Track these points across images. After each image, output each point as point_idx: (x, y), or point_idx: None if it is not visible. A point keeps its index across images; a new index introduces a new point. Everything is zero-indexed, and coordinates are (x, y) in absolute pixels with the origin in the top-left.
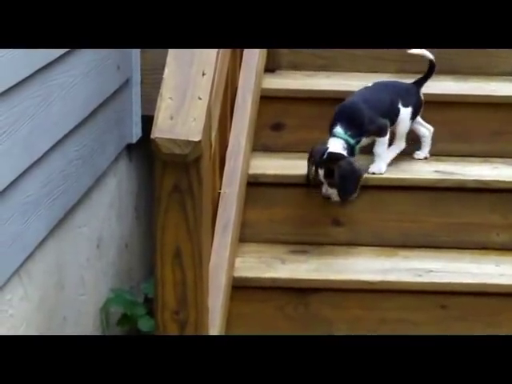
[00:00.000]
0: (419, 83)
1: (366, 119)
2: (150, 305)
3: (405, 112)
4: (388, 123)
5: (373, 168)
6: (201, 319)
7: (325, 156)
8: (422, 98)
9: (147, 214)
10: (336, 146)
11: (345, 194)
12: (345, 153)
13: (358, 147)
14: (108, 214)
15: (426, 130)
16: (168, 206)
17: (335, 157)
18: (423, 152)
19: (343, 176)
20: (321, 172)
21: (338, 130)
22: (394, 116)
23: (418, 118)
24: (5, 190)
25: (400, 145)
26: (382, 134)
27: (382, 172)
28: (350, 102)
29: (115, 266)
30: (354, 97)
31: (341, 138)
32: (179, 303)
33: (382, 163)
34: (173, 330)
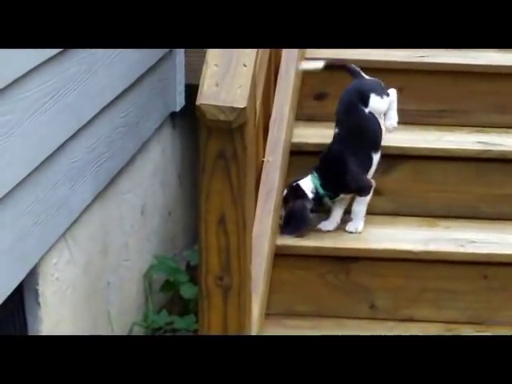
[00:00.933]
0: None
1: (348, 176)
2: (192, 272)
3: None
4: (373, 183)
5: (350, 227)
6: (244, 285)
7: (290, 185)
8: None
9: (190, 182)
10: (306, 185)
11: (283, 230)
12: (310, 196)
13: (333, 201)
14: (152, 181)
15: None
16: (213, 173)
17: (294, 192)
18: None
19: (289, 213)
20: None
21: (314, 175)
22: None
23: None
24: (52, 154)
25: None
26: (364, 193)
27: (359, 231)
28: (333, 154)
29: (159, 233)
30: (340, 144)
31: (313, 183)
32: (223, 269)
33: (359, 221)
34: (216, 295)
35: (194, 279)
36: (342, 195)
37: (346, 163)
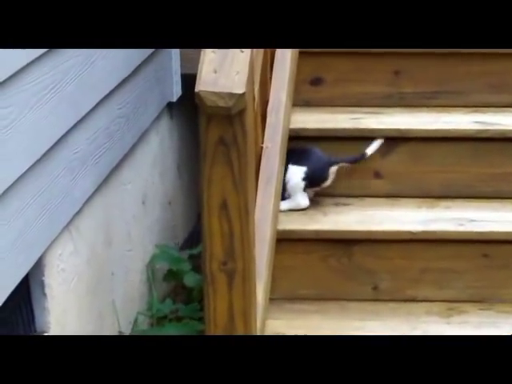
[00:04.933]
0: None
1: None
2: (194, 261)
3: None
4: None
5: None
6: (248, 270)
7: None
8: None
9: (189, 172)
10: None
11: None
12: None
13: None
14: (151, 171)
15: None
16: (214, 159)
17: None
18: None
19: None
20: None
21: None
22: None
23: None
24: (53, 146)
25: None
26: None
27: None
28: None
29: (160, 222)
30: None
31: None
32: (227, 254)
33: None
34: (221, 281)
35: (196, 268)
36: None
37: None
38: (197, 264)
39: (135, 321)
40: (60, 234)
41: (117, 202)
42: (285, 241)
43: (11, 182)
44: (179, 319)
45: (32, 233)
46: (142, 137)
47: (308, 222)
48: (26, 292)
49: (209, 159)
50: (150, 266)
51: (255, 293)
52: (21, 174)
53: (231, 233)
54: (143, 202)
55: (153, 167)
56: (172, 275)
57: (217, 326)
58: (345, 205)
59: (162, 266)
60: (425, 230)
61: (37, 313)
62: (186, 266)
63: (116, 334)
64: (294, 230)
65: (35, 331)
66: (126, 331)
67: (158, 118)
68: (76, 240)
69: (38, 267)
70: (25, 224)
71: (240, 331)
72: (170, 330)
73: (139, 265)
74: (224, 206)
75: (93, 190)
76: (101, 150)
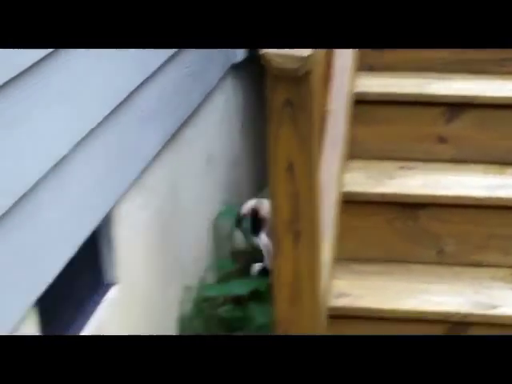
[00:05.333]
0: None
1: None
2: None
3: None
4: None
5: None
6: (314, 230)
7: None
8: None
9: (253, 132)
10: None
11: None
12: None
13: None
14: (217, 130)
15: None
16: (280, 120)
17: None
18: None
19: None
20: None
21: None
22: None
23: None
24: (123, 101)
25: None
26: None
27: None
28: None
29: (225, 181)
30: None
31: None
32: (293, 214)
33: None
34: (287, 240)
35: None
36: None
37: None
38: None
39: (201, 278)
40: (129, 188)
41: (184, 159)
42: (351, 203)
43: (84, 134)
44: (242, 276)
45: (102, 186)
46: (208, 96)
47: (373, 184)
48: (96, 245)
49: (275, 120)
50: (215, 224)
51: (321, 253)
52: (93, 126)
53: (297, 193)
54: (209, 161)
55: (218, 126)
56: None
57: (283, 283)
58: (409, 168)
59: (227, 224)
60: (491, 196)
61: (105, 265)
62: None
63: (181, 289)
64: (361, 192)
65: (103, 283)
66: (192, 286)
67: (223, 78)
68: (144, 195)
69: (107, 220)
70: (95, 177)
71: (305, 289)
72: (235, 286)
73: (204, 222)
74: (290, 167)
75: (161, 146)
76: (169, 107)
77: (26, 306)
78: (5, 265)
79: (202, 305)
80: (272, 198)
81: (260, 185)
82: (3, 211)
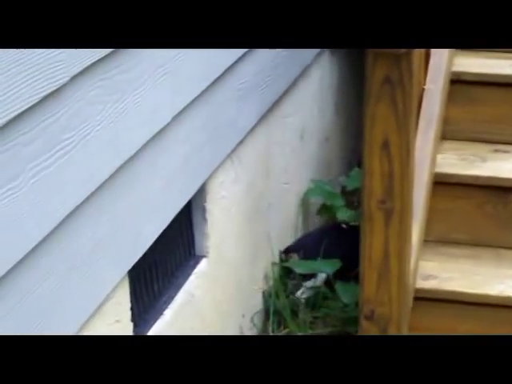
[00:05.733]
0: None
1: None
2: (347, 197)
3: None
4: None
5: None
6: (405, 210)
7: None
8: None
9: (346, 110)
10: None
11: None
12: None
13: None
14: (311, 106)
15: None
16: (378, 98)
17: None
18: None
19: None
20: None
21: None
22: None
23: None
24: (222, 74)
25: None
26: None
27: None
28: None
29: (315, 158)
30: None
31: None
32: (385, 193)
33: None
34: (378, 219)
35: (349, 204)
36: None
37: None
38: (350, 200)
39: None
40: (223, 161)
41: (277, 134)
42: (442, 184)
43: (185, 104)
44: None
45: (197, 159)
46: (304, 71)
47: (466, 166)
48: (188, 217)
49: (373, 97)
50: (305, 200)
51: (410, 233)
52: (193, 98)
53: (391, 172)
54: (301, 137)
55: (312, 102)
56: (325, 210)
57: (372, 262)
58: (504, 152)
59: (316, 201)
60: None
61: (197, 237)
62: (340, 202)
63: (269, 265)
64: (453, 174)
65: (194, 255)
66: (279, 263)
67: (319, 54)
68: (237, 169)
69: (200, 193)
70: (191, 150)
71: (394, 270)
72: (321, 264)
73: (294, 198)
74: (385, 145)
75: (256, 120)
76: (265, 82)
77: (120, 275)
78: (103, 233)
79: (288, 282)
80: (365, 175)
81: (350, 163)
82: (101, 182)
